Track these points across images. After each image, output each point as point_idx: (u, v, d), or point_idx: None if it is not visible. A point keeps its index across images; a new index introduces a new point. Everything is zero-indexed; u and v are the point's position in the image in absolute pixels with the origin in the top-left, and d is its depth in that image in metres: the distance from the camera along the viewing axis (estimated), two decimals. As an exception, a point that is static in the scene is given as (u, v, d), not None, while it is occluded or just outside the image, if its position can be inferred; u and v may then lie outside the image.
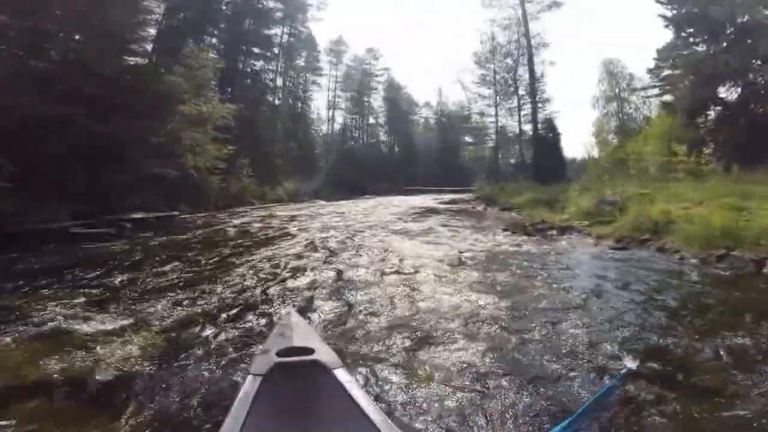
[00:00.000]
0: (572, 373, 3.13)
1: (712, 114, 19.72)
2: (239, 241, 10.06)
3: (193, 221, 14.73)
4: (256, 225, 13.22)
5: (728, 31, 19.60)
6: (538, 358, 3.39)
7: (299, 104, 39.03)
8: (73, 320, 4.21)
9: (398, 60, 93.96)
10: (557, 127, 28.87)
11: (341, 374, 2.04)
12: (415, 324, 4.20)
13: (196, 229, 12.53)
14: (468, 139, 55.28)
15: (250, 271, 6.65)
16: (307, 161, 34.46)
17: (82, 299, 4.96)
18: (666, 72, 36.56)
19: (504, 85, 35.02)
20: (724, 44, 20.21)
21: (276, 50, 33.66)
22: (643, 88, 39.30)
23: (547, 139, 25.96)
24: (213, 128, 18.20)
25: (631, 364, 3.15)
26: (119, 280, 6.00)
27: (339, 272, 6.50)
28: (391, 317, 4.42)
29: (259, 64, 31.73)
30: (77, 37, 13.52)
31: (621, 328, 4.06)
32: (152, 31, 18.75)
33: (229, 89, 25.98)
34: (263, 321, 4.27)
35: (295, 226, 12.76)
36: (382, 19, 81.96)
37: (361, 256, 7.92)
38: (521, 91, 33.50)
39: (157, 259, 7.63)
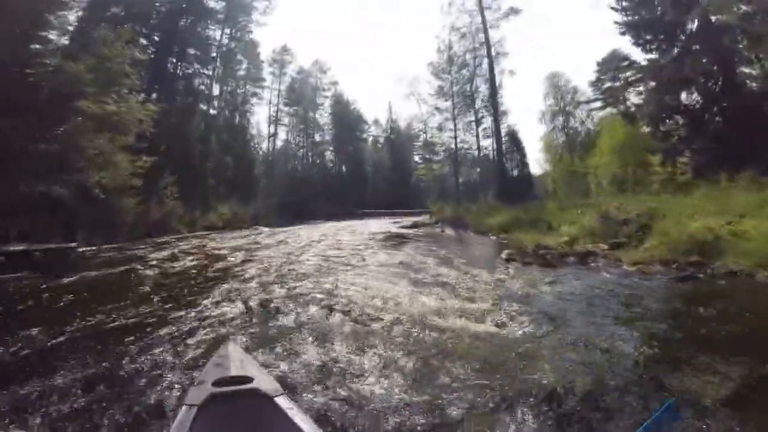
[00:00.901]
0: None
1: (679, 121, 18.80)
2: (149, 289, 6.94)
3: (96, 256, 11.21)
4: (178, 265, 9.87)
5: (687, 35, 19.01)
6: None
7: (238, 116, 35.44)
8: None
9: (347, 74, 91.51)
10: (521, 141, 27.45)
11: (283, 402, 2.00)
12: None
13: (96, 267, 9.15)
14: (419, 158, 53.92)
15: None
16: (246, 182, 30.89)
17: None
18: (607, 84, 37.66)
19: (462, 97, 33.53)
20: (678, 50, 19.72)
21: (214, 54, 30.40)
22: (587, 101, 40.00)
23: (512, 155, 24.36)
24: (127, 135, 14.65)
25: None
26: None
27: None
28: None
29: (194, 67, 28.24)
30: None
31: None
32: (70, 17, 15.41)
33: (155, 94, 22.40)
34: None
35: (232, 266, 9.66)
36: (331, 31, 79.57)
37: (358, 337, 4.62)
38: (478, 104, 32.20)
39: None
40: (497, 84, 30.36)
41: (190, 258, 10.55)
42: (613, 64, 36.40)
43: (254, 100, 40.70)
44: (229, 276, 7.97)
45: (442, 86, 34.89)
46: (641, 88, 22.52)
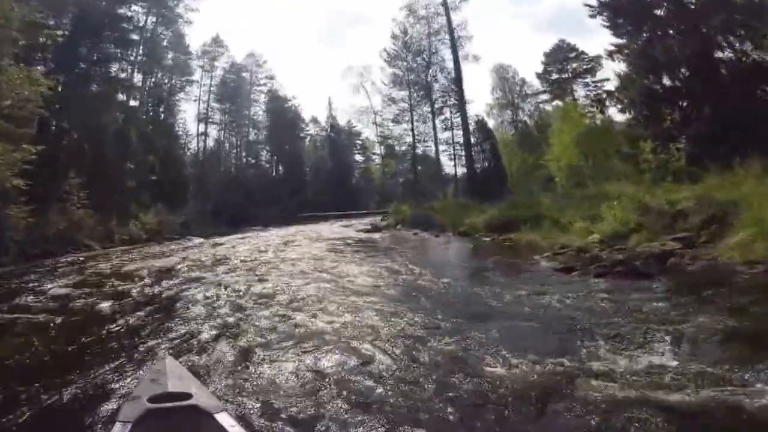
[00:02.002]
0: None
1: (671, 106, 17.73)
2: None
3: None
4: (77, 304, 6.48)
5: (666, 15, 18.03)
6: None
7: (163, 110, 31.05)
8: None
9: (284, 68, 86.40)
10: (492, 131, 25.43)
11: (223, 418, 1.93)
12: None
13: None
14: (360, 157, 51.39)
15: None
16: (174, 185, 26.78)
17: None
18: (555, 76, 36.98)
19: (419, 86, 31.30)
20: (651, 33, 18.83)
21: (136, 36, 26.06)
22: (535, 93, 39.39)
23: (485, 149, 22.34)
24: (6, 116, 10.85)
25: None
26: None
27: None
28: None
29: (112, 50, 23.88)
30: None
31: None
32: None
33: (61, 78, 18.17)
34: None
35: (156, 305, 6.45)
36: (265, 22, 74.61)
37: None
38: (436, 93, 30.20)
39: None
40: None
41: (81, 298, 7.09)
42: (560, 54, 36.29)
43: (181, 95, 36.46)
44: (135, 346, 4.51)
45: (398, 74, 32.52)
46: (620, 71, 21.09)
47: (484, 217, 15.08)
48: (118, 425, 1.86)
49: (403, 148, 34.86)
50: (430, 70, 30.88)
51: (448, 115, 31.09)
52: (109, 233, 16.59)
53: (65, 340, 4.64)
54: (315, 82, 79.47)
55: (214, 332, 4.74)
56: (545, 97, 38.23)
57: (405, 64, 32.27)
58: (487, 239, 13.16)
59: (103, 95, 21.22)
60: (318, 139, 49.93)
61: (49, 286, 7.80)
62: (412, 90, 31.96)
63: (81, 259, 12.30)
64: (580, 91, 34.56)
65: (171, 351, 4.03)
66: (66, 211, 14.96)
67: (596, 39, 45.20)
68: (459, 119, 30.30)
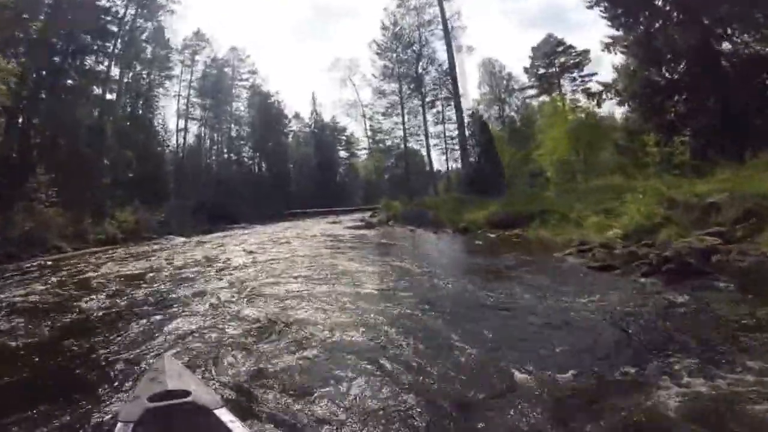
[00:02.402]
0: None
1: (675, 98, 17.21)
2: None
3: None
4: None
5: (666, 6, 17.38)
6: None
7: (142, 104, 29.57)
8: None
9: (265, 63, 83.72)
10: (488, 124, 24.60)
11: (223, 414, 1.91)
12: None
13: None
14: (344, 153, 50.25)
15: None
16: (153, 182, 25.45)
17: None
18: (542, 70, 35.97)
19: (409, 79, 30.31)
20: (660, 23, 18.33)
21: (114, 28, 24.57)
22: (522, 88, 38.78)
23: (481, 141, 21.50)
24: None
25: None
26: None
27: None
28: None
29: (87, 41, 22.43)
30: None
31: None
32: None
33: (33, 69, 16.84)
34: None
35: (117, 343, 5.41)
36: (246, 19, 72.43)
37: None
38: (428, 87, 29.21)
39: None
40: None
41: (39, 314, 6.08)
42: (548, 49, 35.71)
43: (161, 90, 34.90)
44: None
45: (388, 66, 31.36)
46: (617, 63, 20.54)
47: (484, 213, 14.30)
48: (120, 425, 1.83)
49: (395, 141, 33.63)
50: (421, 63, 29.97)
51: (440, 108, 30.27)
52: (82, 233, 15.33)
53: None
54: (298, 78, 78.34)
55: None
56: (532, 92, 37.99)
57: (395, 56, 31.22)
58: (492, 236, 12.33)
59: (78, 88, 19.81)
60: (301, 135, 48.67)
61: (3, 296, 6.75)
62: (403, 83, 30.91)
63: (48, 263, 11.09)
64: (567, 86, 33.96)
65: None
66: (33, 211, 13.69)
67: (583, 34, 44.54)
68: (452, 113, 29.63)
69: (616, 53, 20.31)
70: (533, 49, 35.67)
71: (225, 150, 41.81)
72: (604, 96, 21.80)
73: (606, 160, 26.12)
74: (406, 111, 31.26)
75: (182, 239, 18.25)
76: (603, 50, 20.92)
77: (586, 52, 34.21)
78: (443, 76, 29.10)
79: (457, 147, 29.89)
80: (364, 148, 40.63)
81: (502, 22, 59.28)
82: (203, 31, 39.55)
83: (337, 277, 7.15)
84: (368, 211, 28.96)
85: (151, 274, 8.62)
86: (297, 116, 48.11)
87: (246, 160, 43.78)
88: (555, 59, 35.12)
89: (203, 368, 3.52)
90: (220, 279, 7.74)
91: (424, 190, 29.72)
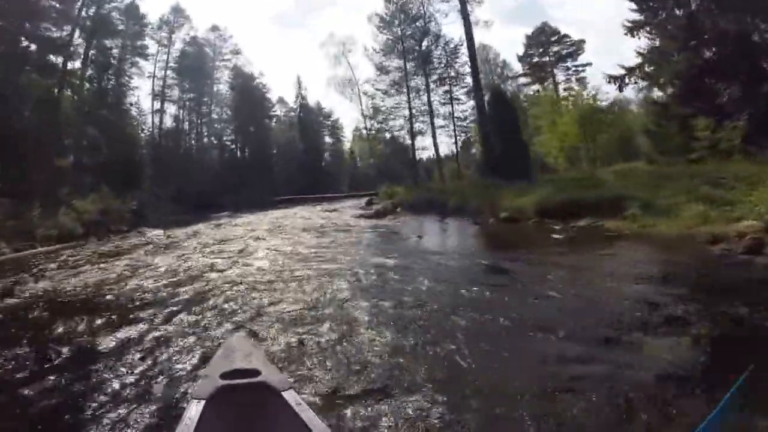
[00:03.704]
0: None
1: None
2: None
3: None
4: None
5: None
6: None
7: (112, 80, 25.10)
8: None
9: (247, 46, 77.29)
10: (511, 102, 21.29)
11: (290, 396, 1.80)
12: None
13: None
14: (329, 139, 46.38)
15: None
16: (125, 166, 21.29)
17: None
18: (536, 59, 34.07)
19: (415, 55, 26.69)
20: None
21: None
22: (515, 76, 36.19)
23: (505, 120, 18.17)
24: None
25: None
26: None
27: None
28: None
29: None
30: None
31: None
32: None
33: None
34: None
35: None
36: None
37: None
38: (434, 63, 25.66)
39: None
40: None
41: None
42: (542, 37, 33.45)
43: (134, 70, 30.30)
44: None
45: (392, 39, 27.52)
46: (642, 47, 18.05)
47: (529, 200, 11.29)
48: (193, 402, 1.74)
49: (399, 122, 29.65)
50: (427, 39, 26.42)
51: (447, 87, 26.96)
52: (29, 228, 11.46)
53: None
54: (280, 62, 72.27)
55: None
56: (525, 80, 35.55)
57: (399, 30, 27.49)
58: (558, 227, 9.28)
59: (22, 52, 15.46)
60: (285, 120, 44.37)
61: None
62: (408, 59, 27.30)
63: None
64: (560, 75, 32.83)
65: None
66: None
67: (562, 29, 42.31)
68: (460, 92, 26.92)
69: (640, 37, 18.27)
70: (527, 37, 33.88)
71: (206, 133, 37.33)
72: (626, 80, 19.15)
73: (611, 147, 24.39)
74: (410, 90, 27.53)
75: (158, 232, 14.51)
76: (626, 34, 18.50)
77: (581, 41, 32.82)
78: (451, 54, 25.75)
79: (465, 129, 26.92)
80: (363, 128, 36.17)
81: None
82: (182, 6, 34.75)
83: (422, 318, 3.96)
84: (360, 198, 25.58)
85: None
86: (281, 101, 43.86)
87: (228, 144, 39.41)
88: (549, 48, 33.23)
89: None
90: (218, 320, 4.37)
91: (415, 176, 26.38)
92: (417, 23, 26.80)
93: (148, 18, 31.32)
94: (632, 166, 17.91)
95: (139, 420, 2.47)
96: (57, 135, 15.61)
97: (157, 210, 20.42)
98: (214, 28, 37.89)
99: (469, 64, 23.23)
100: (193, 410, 1.70)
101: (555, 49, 33.61)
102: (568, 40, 32.95)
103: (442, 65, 27.65)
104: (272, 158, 40.58)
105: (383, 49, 28.93)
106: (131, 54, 30.06)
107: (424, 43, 26.92)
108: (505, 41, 69.58)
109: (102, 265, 7.99)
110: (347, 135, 46.23)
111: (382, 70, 29.19)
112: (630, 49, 26.01)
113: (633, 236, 7.50)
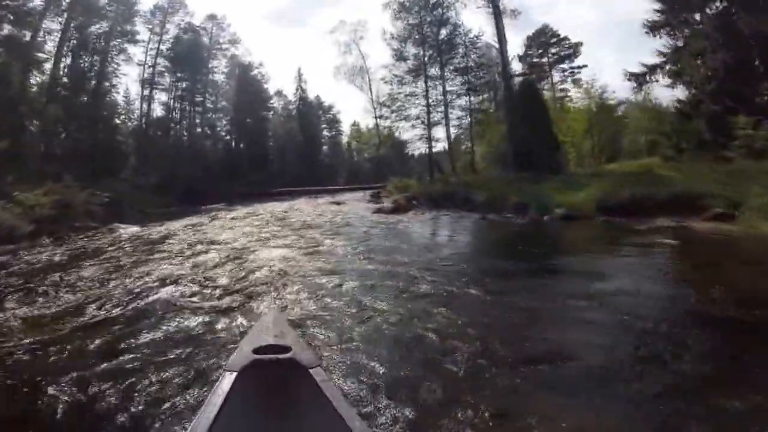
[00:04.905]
0: None
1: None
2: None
3: None
4: None
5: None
6: None
7: (95, 61, 21.69)
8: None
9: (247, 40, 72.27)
10: (539, 91, 18.76)
11: (317, 373, 1.75)
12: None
13: None
14: (326, 132, 43.33)
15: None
16: (105, 156, 18.03)
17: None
18: (535, 59, 32.86)
19: (428, 43, 23.81)
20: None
21: None
22: (514, 75, 34.31)
23: (534, 111, 15.56)
24: None
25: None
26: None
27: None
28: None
29: None
30: None
31: None
32: None
33: None
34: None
35: None
36: None
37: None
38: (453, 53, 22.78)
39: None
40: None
41: None
42: (542, 39, 32.77)
43: (122, 57, 26.79)
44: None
45: (413, 24, 24.36)
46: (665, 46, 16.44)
47: (586, 196, 8.69)
48: (226, 373, 1.70)
49: (414, 111, 26.17)
50: (445, 28, 23.84)
51: (465, 78, 24.26)
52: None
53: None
54: (278, 59, 68.18)
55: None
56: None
57: (419, 16, 24.49)
58: (641, 227, 6.89)
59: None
60: (283, 113, 41.10)
61: None
62: (426, 48, 24.43)
63: None
64: (556, 76, 32.43)
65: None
66: None
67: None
68: (479, 82, 24.40)
69: (661, 36, 17.47)
70: (528, 38, 32.85)
71: (197, 121, 33.77)
72: (648, 78, 17.55)
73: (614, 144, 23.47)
74: (427, 80, 24.74)
75: (133, 230, 11.47)
76: (647, 32, 17.61)
77: (579, 44, 32.09)
78: (470, 44, 23.69)
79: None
80: (375, 117, 33.06)
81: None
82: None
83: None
84: (361, 191, 22.80)
85: None
86: (279, 93, 40.59)
87: (223, 134, 36.04)
88: (549, 49, 32.69)
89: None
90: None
91: (431, 170, 23.56)
92: (435, 12, 23.99)
93: (140, 4, 27.98)
94: (649, 162, 16.70)
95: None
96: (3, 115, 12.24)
97: (139, 202, 17.23)
98: (212, 17, 34.40)
99: (496, 50, 20.77)
100: (226, 381, 1.66)
101: (554, 50, 32.52)
102: (566, 42, 32.09)
103: (460, 55, 24.94)
104: (269, 149, 37.49)
105: (400, 36, 25.81)
106: (120, 38, 26.66)
107: (443, 32, 24.22)
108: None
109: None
110: (345, 129, 43.76)
111: (399, 56, 25.99)
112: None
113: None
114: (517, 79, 32.52)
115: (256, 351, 1.79)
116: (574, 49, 31.61)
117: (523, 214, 9.48)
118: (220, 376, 1.75)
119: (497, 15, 18.77)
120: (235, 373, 1.67)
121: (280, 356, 1.76)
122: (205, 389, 2.33)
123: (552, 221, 8.68)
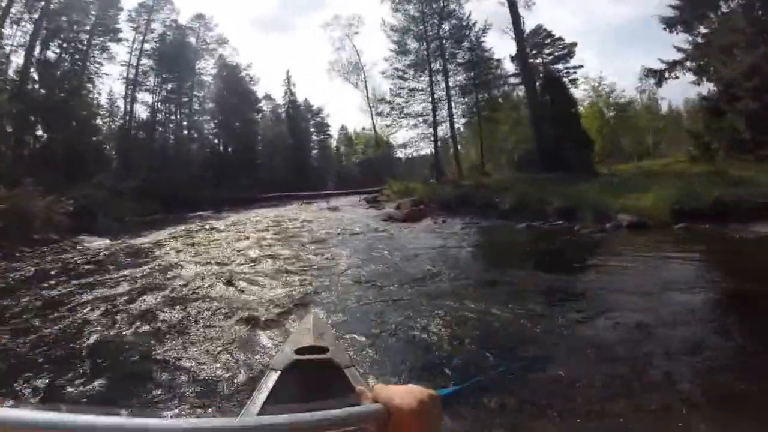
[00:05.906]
0: None
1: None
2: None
3: None
4: None
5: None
6: None
7: (75, 59, 19.44)
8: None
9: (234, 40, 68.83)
10: (564, 82, 17.16)
11: (350, 373, 1.77)
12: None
13: None
14: (315, 137, 41.37)
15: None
16: (80, 157, 15.83)
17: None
18: (529, 60, 31.76)
19: (430, 37, 22.00)
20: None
21: None
22: (506, 76, 33.01)
23: (560, 107, 13.99)
24: None
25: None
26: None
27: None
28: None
29: None
30: None
31: None
32: None
33: None
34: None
35: None
36: None
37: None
38: (456, 48, 21.12)
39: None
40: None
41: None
42: (537, 39, 30.46)
43: (104, 55, 24.47)
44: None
45: (414, 16, 22.46)
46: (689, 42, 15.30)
47: (655, 200, 7.14)
48: (270, 372, 1.74)
49: (417, 108, 24.13)
50: (447, 23, 22.05)
51: (471, 73, 22.46)
52: None
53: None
54: (267, 64, 65.49)
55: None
56: (514, 80, 32.31)
57: (422, 7, 22.57)
58: (749, 236, 5.23)
59: None
60: (272, 116, 38.97)
61: None
62: (429, 39, 22.54)
63: None
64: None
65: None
66: None
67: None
68: (487, 77, 22.47)
69: (677, 33, 16.57)
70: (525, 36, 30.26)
71: (185, 124, 31.44)
72: (667, 75, 16.19)
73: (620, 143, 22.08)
74: (431, 74, 22.86)
75: (100, 243, 9.54)
76: (664, 29, 16.60)
77: (573, 44, 30.03)
78: (474, 37, 21.77)
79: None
80: (377, 113, 31.00)
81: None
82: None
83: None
84: (354, 195, 21.03)
85: None
86: (268, 97, 38.41)
87: (210, 137, 33.74)
88: (543, 50, 30.52)
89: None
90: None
91: (438, 172, 21.73)
92: (435, 5, 22.22)
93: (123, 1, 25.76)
94: (673, 161, 15.22)
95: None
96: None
97: (118, 209, 15.10)
98: (199, 16, 32.16)
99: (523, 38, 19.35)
100: (270, 379, 1.70)
101: (548, 51, 30.94)
102: (560, 43, 30.10)
103: (464, 49, 23.08)
104: (257, 153, 35.33)
105: (401, 27, 23.75)
106: (102, 36, 24.37)
107: (445, 25, 22.49)
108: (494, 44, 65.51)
109: None
110: (334, 133, 41.91)
111: (400, 48, 23.91)
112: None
113: None
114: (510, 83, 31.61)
115: (298, 351, 1.83)
116: (569, 50, 30.81)
117: (571, 220, 7.83)
118: (265, 374, 1.77)
119: (512, 4, 17.21)
120: (278, 372, 1.71)
121: (319, 356, 1.81)
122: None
123: (617, 229, 7.08)
